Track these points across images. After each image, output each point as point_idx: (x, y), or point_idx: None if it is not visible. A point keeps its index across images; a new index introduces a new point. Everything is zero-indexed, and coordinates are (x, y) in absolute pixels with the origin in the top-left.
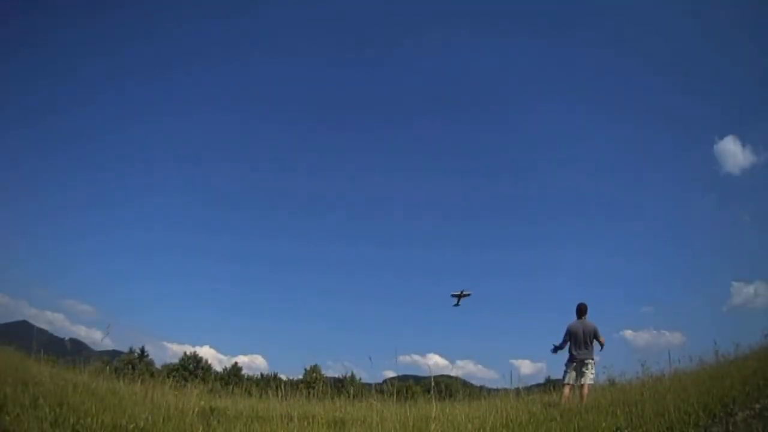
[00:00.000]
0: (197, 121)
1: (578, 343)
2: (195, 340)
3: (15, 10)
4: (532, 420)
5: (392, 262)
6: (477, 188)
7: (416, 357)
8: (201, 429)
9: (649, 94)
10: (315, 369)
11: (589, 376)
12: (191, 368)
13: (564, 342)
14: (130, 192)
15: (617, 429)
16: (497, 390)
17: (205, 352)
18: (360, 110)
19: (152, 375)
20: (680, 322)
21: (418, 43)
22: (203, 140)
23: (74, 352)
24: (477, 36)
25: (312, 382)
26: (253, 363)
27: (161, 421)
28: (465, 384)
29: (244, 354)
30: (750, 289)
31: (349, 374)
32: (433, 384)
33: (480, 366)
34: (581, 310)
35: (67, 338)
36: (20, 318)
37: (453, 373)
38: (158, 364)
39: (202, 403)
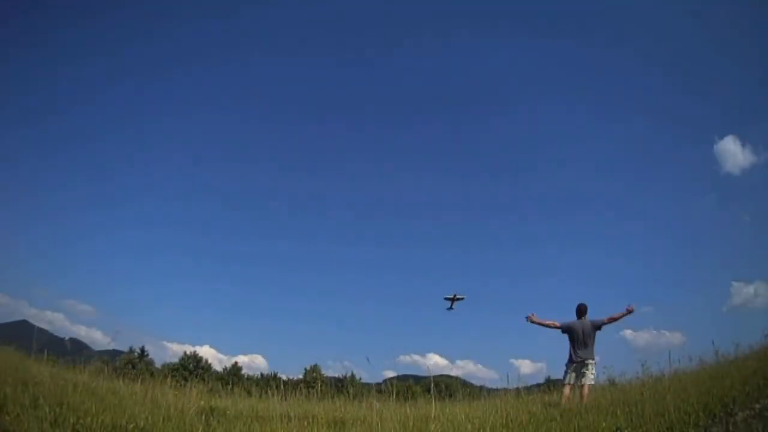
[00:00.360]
0: (197, 121)
1: (578, 343)
2: (195, 339)
3: (15, 10)
4: (532, 420)
5: (392, 262)
6: (477, 188)
7: (416, 357)
8: (201, 429)
9: (649, 94)
10: (315, 369)
11: (590, 377)
12: (191, 368)
13: (549, 323)
14: (130, 192)
15: (617, 429)
16: (497, 390)
17: (205, 352)
18: (360, 110)
19: (152, 375)
20: (680, 322)
21: (417, 43)
22: (203, 140)
23: (74, 352)
24: (477, 36)
25: (312, 382)
26: (253, 363)
27: (161, 421)
28: (465, 384)
29: (244, 354)
30: (750, 289)
31: (349, 374)
32: (432, 384)
33: (480, 366)
34: (581, 311)
35: (67, 338)
36: (20, 318)
37: (453, 373)
38: (158, 364)
39: (202, 402)
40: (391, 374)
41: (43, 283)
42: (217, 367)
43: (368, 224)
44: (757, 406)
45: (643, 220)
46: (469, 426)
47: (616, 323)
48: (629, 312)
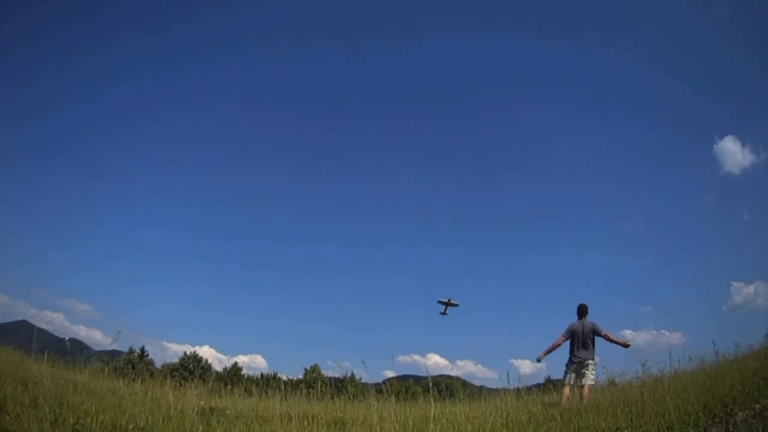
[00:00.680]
0: (197, 121)
1: (578, 343)
2: (195, 340)
3: (15, 10)
4: (532, 420)
5: (392, 262)
6: (477, 188)
7: (416, 357)
8: (201, 429)
9: (649, 94)
10: (315, 369)
11: (590, 377)
12: (191, 368)
13: (564, 338)
14: (131, 192)
15: (617, 429)
16: (497, 390)
17: (205, 352)
18: (359, 111)
19: (152, 375)
20: (680, 322)
21: (417, 44)
22: (203, 141)
23: (74, 352)
24: (477, 36)
25: (312, 382)
26: (253, 363)
27: (161, 420)
28: (465, 384)
29: (244, 354)
30: (750, 289)
31: (349, 374)
32: (431, 384)
33: (480, 366)
34: (582, 311)
35: (67, 338)
36: (20, 318)
37: (453, 373)
38: (158, 364)
39: (202, 402)
40: (391, 374)
41: (43, 283)
42: (217, 367)
43: (368, 224)
44: (757, 406)
45: (643, 220)
46: (469, 426)
47: (609, 343)
48: (625, 346)
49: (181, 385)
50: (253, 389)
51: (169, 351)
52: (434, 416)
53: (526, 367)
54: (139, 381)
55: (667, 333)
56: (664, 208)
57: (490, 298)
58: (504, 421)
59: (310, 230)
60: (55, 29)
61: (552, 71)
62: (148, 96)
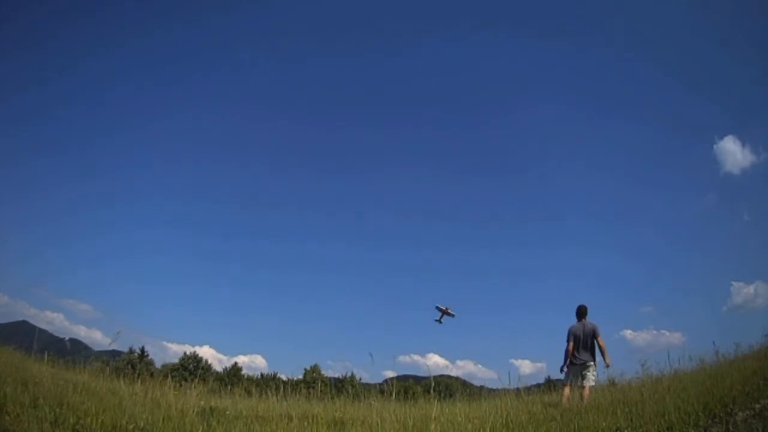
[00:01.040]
0: (198, 121)
1: (579, 345)
2: (195, 340)
3: (15, 10)
4: (532, 420)
5: (392, 262)
6: (477, 188)
7: (416, 357)
8: (201, 429)
9: (650, 95)
10: (315, 369)
11: (591, 378)
12: (191, 368)
13: (569, 344)
14: (130, 192)
15: (617, 429)
16: (497, 390)
17: (205, 352)
18: (359, 111)
19: (152, 375)
20: (680, 322)
21: (417, 44)
22: (203, 141)
23: (74, 352)
24: (477, 36)
25: (312, 382)
26: (253, 363)
27: (161, 421)
28: (465, 384)
29: (244, 354)
30: (750, 289)
31: (349, 374)
32: (432, 384)
33: (480, 366)
34: (581, 312)
35: (67, 338)
36: (20, 318)
37: (453, 373)
38: (158, 364)
39: (202, 403)
40: (391, 374)
41: (43, 283)
42: (217, 367)
43: (368, 224)
44: (757, 406)
45: (643, 220)
46: (469, 426)
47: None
48: (606, 364)
49: (181, 386)
50: (253, 389)
51: (169, 351)
52: (434, 416)
53: (526, 367)
54: (139, 381)
55: (667, 333)
56: (664, 208)
57: (490, 298)
58: (504, 421)
59: (310, 230)
60: (55, 29)
61: (552, 71)
62: (148, 96)
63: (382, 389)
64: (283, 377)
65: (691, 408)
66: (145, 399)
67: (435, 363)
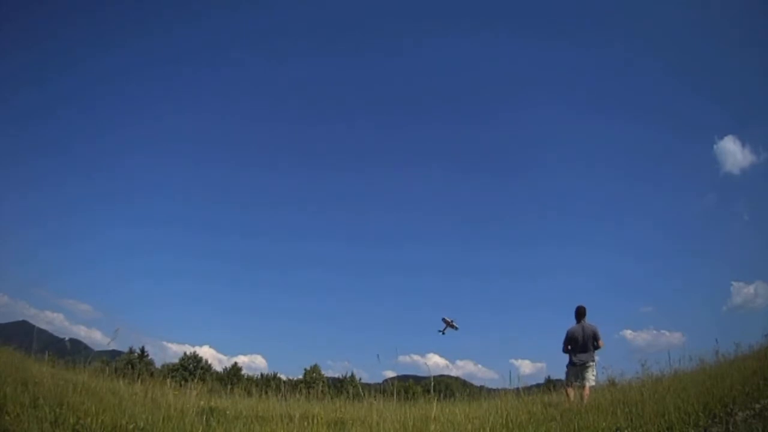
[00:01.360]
0: (199, 120)
1: (577, 346)
2: (195, 340)
3: (15, 10)
4: (532, 420)
5: (392, 261)
6: (477, 188)
7: (416, 357)
8: (201, 429)
9: (649, 94)
10: (315, 369)
11: (591, 379)
12: (191, 368)
13: (565, 347)
14: (130, 192)
15: (617, 429)
16: (497, 390)
17: (205, 352)
18: (359, 111)
19: (152, 375)
20: (680, 322)
21: (418, 44)
22: (204, 140)
23: (74, 352)
24: (477, 36)
25: (312, 382)
26: (253, 363)
27: (161, 421)
28: (465, 384)
29: (244, 354)
30: (750, 289)
31: (349, 374)
32: (433, 384)
33: (480, 366)
34: (580, 313)
35: (67, 338)
36: (20, 318)
37: (453, 373)
38: (158, 364)
39: (202, 403)
40: (391, 374)
41: (43, 283)
42: (217, 367)
43: (368, 224)
44: (757, 406)
45: (643, 220)
46: (469, 426)
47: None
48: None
49: (181, 386)
50: (253, 389)
51: (169, 351)
52: (434, 416)
53: (526, 367)
54: (139, 381)
55: (667, 333)
56: (664, 208)
57: (490, 298)
58: (504, 421)
59: (311, 230)
60: (55, 29)
61: (552, 71)
62: (147, 96)
63: (382, 389)
64: (283, 377)
65: (691, 408)
66: (145, 399)
67: (435, 363)
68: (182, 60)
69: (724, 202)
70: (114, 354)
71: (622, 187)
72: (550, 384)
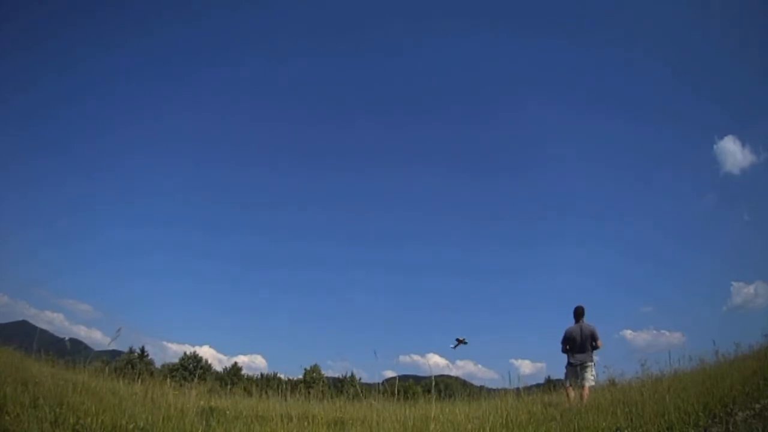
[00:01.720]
0: (197, 120)
1: (576, 347)
2: (195, 339)
3: (16, 10)
4: (532, 420)
5: (392, 261)
6: (477, 188)
7: (416, 357)
8: (201, 429)
9: (649, 94)
10: (315, 369)
11: (590, 379)
12: (191, 368)
13: (564, 347)
14: (130, 192)
15: (617, 429)
16: (497, 390)
17: (205, 352)
18: (359, 110)
19: (152, 375)
20: (680, 322)
21: (418, 43)
22: (204, 140)
23: (74, 352)
24: (477, 36)
25: (312, 382)
26: (253, 363)
27: (161, 420)
28: (465, 384)
29: (244, 354)
30: (750, 289)
31: (349, 374)
32: (433, 384)
33: (480, 366)
34: (579, 313)
35: (67, 338)
36: (20, 318)
37: (453, 373)
38: (158, 364)
39: (202, 403)
40: (391, 374)
41: (43, 283)
42: (217, 367)
43: (368, 224)
44: (757, 406)
45: (643, 220)
46: (469, 426)
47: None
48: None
49: (181, 385)
50: (253, 389)
51: (169, 351)
52: (434, 416)
53: (526, 367)
54: (139, 381)
55: (667, 333)
56: (664, 208)
57: (490, 297)
58: (504, 421)
59: (311, 230)
60: (55, 29)
61: (552, 71)
62: (147, 95)
63: (382, 389)
64: (283, 377)
65: (691, 408)
66: (145, 399)
67: (435, 363)
68: (182, 60)
69: (724, 202)
70: (114, 354)
71: (622, 187)
72: (550, 384)
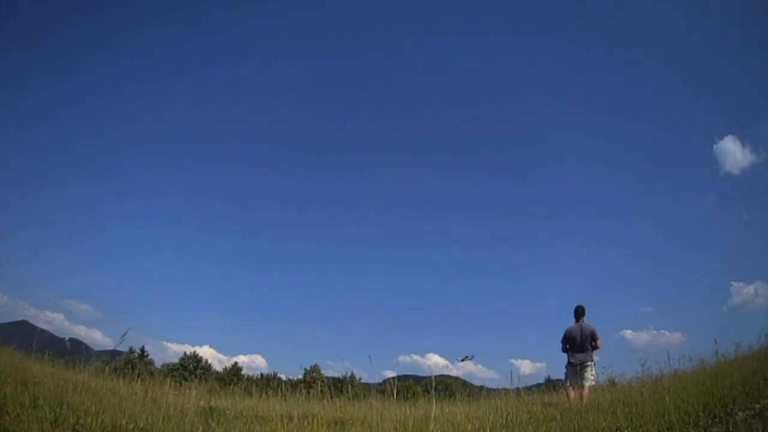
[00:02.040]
0: (198, 121)
1: (576, 347)
2: (195, 339)
3: (16, 10)
4: (532, 420)
5: (392, 261)
6: (477, 187)
7: (416, 357)
8: (201, 429)
9: (650, 94)
10: (315, 369)
11: (590, 378)
12: (191, 368)
13: (564, 347)
14: (130, 192)
15: (617, 429)
16: (497, 390)
17: (205, 352)
18: (359, 110)
19: (152, 375)
20: (680, 322)
21: (418, 43)
22: (204, 140)
23: (74, 352)
24: (477, 36)
25: (312, 382)
26: (253, 363)
27: (161, 420)
28: (465, 384)
29: (244, 354)
30: (750, 289)
31: (349, 374)
32: (433, 384)
33: (480, 366)
34: (579, 313)
35: (67, 338)
36: (20, 318)
37: (453, 373)
38: (158, 364)
39: (202, 403)
40: (391, 374)
41: (43, 283)
42: (217, 367)
43: (368, 224)
44: (757, 406)
45: (643, 220)
46: (469, 426)
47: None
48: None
49: (181, 385)
50: (253, 389)
51: (169, 351)
52: (434, 416)
53: (526, 367)
54: (139, 381)
55: (667, 333)
56: (664, 207)
57: (490, 297)
58: (504, 421)
59: (311, 230)
60: (55, 29)
61: (553, 71)
62: (147, 95)
63: (382, 389)
64: (283, 377)
65: (691, 408)
66: (145, 399)
67: (435, 363)
68: (182, 60)
69: (724, 202)
70: (114, 354)
71: (622, 186)
72: (550, 384)
